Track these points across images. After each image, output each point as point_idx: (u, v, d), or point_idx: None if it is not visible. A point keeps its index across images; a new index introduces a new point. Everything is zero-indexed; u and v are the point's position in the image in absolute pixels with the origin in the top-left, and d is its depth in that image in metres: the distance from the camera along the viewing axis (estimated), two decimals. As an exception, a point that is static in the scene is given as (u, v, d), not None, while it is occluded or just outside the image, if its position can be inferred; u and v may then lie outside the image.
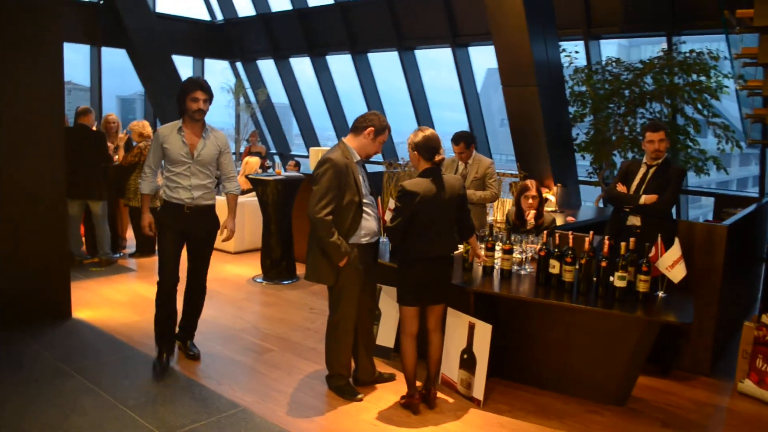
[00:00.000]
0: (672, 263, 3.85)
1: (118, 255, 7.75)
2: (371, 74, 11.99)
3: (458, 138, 5.76)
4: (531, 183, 4.93)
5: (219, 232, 4.60)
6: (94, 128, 7.34)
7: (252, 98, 13.96)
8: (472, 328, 4.13)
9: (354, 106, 12.71)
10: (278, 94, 13.99)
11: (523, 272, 4.40)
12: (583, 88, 8.45)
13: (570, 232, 4.38)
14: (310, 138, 13.72)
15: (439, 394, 4.18)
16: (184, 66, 14.65)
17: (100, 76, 12.53)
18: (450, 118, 12.51)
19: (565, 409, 4.09)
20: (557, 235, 4.35)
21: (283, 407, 3.99)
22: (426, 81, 11.39)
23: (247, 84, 14.12)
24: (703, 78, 7.87)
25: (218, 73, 14.18)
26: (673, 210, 4.77)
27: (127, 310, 5.74)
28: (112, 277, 6.86)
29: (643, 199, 4.54)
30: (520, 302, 4.07)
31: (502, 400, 4.18)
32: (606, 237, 3.95)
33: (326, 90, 12.70)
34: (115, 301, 6.02)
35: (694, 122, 7.87)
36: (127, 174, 7.51)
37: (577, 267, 3.95)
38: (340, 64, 12.53)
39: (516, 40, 6.94)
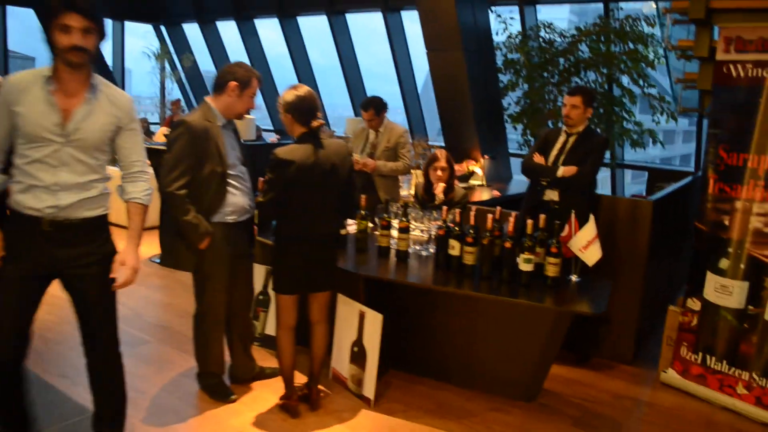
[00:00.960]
0: (586, 243, 3.39)
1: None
2: (301, 40, 11.28)
3: (367, 103, 5.19)
4: (440, 153, 4.40)
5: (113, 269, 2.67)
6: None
7: (178, 66, 13.09)
8: (362, 317, 3.61)
9: (286, 74, 11.98)
10: (207, 62, 13.13)
11: (425, 253, 3.89)
12: (517, 56, 7.96)
13: (474, 208, 3.88)
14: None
15: (329, 392, 3.67)
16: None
17: (5, 35, 11.49)
18: (386, 90, 11.90)
19: (467, 407, 3.62)
20: (471, 211, 3.87)
21: (140, 412, 3.40)
22: (362, 51, 10.75)
23: (172, 50, 13.20)
24: (640, 47, 7.47)
25: (140, 37, 13.20)
26: (612, 185, 4.32)
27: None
28: None
29: (561, 171, 4.07)
30: (417, 288, 3.55)
31: (398, 397, 3.69)
32: (513, 214, 3.46)
33: (254, 57, 11.93)
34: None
35: (630, 93, 7.48)
36: None
37: (479, 248, 3.45)
38: (270, 30, 11.78)
39: (440, 2, 6.37)
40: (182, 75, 13.36)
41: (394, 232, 3.81)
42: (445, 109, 7.09)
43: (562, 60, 7.71)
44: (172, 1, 12.67)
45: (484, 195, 6.49)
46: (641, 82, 7.29)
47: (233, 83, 3.27)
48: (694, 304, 3.92)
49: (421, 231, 4.01)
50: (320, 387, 3.62)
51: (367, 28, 10.62)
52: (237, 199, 3.34)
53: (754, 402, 3.64)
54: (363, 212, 3.88)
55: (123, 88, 12.88)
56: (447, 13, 6.37)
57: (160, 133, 9.67)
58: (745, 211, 3.65)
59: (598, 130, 7.67)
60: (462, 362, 3.82)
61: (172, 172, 3.17)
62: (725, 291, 3.75)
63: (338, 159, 3.24)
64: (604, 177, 8.86)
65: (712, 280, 3.81)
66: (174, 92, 13.18)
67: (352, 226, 4.10)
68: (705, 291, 3.85)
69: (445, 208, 3.69)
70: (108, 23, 12.59)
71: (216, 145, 3.24)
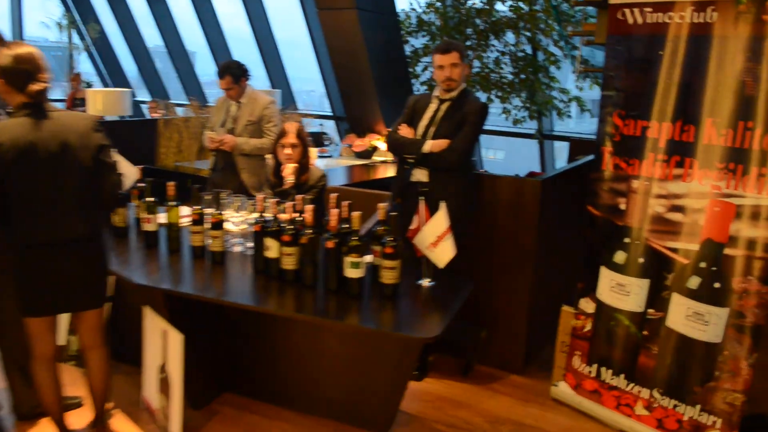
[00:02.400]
0: (435, 239, 2.63)
1: None
2: (211, 6, 10.26)
3: (223, 69, 4.34)
4: (290, 126, 3.59)
5: None
6: None
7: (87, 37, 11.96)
8: (165, 337, 2.83)
9: (199, 42, 10.94)
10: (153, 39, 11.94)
11: (250, 253, 3.09)
12: (431, 17, 7.14)
13: (334, 196, 3.04)
14: (152, 82, 11.91)
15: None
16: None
17: None
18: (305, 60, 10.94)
19: (302, 445, 2.88)
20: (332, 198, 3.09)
21: None
22: (274, 16, 9.80)
23: (79, 21, 12.04)
24: (564, 5, 6.72)
25: (36, 6, 12.00)
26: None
27: None
28: None
29: (429, 145, 3.29)
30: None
31: (219, 429, 2.93)
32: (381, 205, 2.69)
33: (164, 26, 10.88)
34: None
35: (550, 55, 6.75)
36: None
37: (299, 249, 2.67)
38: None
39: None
40: (92, 48, 12.23)
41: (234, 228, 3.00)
42: (342, 76, 6.26)
43: (479, 21, 6.92)
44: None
45: (389, 172, 5.73)
46: (563, 44, 6.55)
47: None
48: (588, 306, 3.21)
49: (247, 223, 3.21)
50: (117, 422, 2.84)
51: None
52: None
53: (655, 425, 2.97)
54: (172, 203, 3.07)
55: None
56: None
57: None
58: (643, 193, 2.93)
59: (523, 96, 6.96)
60: (303, 385, 3.07)
61: None
62: (622, 290, 3.04)
63: (74, 136, 2.40)
64: (530, 150, 8.16)
65: (606, 277, 3.10)
66: (79, 66, 12.07)
67: (186, 218, 3.24)
68: (599, 290, 3.15)
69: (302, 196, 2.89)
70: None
71: None
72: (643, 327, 2.99)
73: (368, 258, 2.69)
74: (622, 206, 3.01)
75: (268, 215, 2.78)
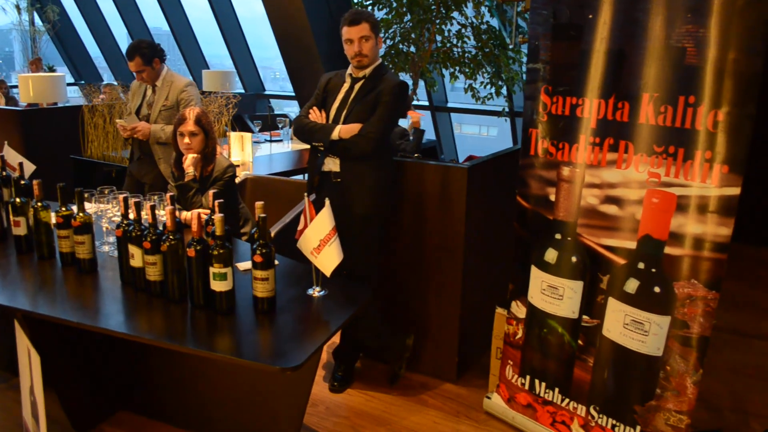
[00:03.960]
0: (319, 244, 2.23)
1: None
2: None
3: (131, 50, 3.92)
4: (189, 112, 3.17)
5: None
6: None
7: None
8: (29, 356, 2.46)
9: (162, 23, 10.45)
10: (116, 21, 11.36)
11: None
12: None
13: (211, 193, 2.63)
14: (118, 67, 11.45)
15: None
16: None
17: None
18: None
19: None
20: (209, 193, 2.70)
21: None
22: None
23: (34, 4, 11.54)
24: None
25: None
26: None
27: None
28: None
29: (337, 131, 2.89)
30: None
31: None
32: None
33: (124, 7, 10.38)
34: None
35: (517, 29, 6.29)
36: None
37: (161, 257, 2.27)
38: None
39: None
40: (52, 31, 11.73)
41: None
42: (288, 54, 5.82)
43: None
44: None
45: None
46: (527, 15, 6.08)
47: None
48: (519, 310, 2.83)
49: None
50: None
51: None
52: None
53: (593, 446, 2.60)
54: (39, 203, 2.67)
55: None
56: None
57: None
58: (574, 181, 2.53)
59: (486, 73, 6.51)
60: (199, 405, 2.71)
61: None
62: (554, 294, 2.65)
63: None
64: (501, 128, 7.73)
65: (537, 278, 2.71)
66: (45, 50, 11.61)
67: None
68: (530, 292, 2.76)
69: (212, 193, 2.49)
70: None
71: None
72: (577, 336, 2.61)
73: (246, 265, 2.30)
74: (553, 197, 2.61)
75: (133, 217, 2.38)
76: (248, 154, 4.64)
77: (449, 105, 8.23)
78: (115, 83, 8.34)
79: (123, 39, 11.64)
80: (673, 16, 2.18)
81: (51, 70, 10.38)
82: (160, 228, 2.27)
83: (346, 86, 3.00)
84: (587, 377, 2.59)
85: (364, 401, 3.08)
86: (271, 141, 5.91)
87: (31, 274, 2.65)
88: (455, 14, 6.50)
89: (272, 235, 3.18)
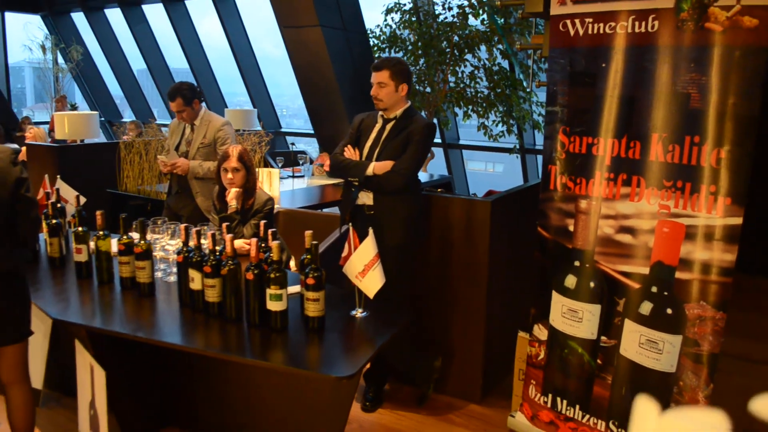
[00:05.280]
0: (363, 268, 2.48)
1: None
2: (192, 25, 10.20)
3: (173, 92, 4.22)
4: (232, 150, 3.45)
5: None
6: None
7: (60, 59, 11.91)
8: (92, 372, 2.69)
9: (181, 63, 10.88)
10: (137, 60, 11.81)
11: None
12: (406, 33, 7.03)
13: (262, 223, 2.86)
14: (137, 104, 11.84)
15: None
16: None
17: None
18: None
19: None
20: (261, 223, 2.95)
21: None
22: (256, 34, 9.71)
23: (58, 44, 12.01)
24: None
25: (21, 29, 11.97)
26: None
27: None
28: None
29: (371, 168, 3.15)
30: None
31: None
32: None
33: (144, 46, 10.81)
34: None
35: (526, 69, 6.62)
36: None
37: (220, 280, 2.52)
38: (160, 15, 10.65)
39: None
40: (76, 70, 12.19)
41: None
42: (309, 95, 6.15)
43: (455, 36, 6.80)
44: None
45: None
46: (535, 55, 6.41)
47: None
48: (541, 332, 3.05)
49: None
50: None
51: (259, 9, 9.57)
52: None
53: (612, 460, 2.79)
54: (101, 232, 2.93)
55: (7, 85, 11.71)
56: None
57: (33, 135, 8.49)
58: (591, 213, 2.78)
59: (498, 112, 6.82)
60: (243, 419, 2.92)
61: None
62: (574, 317, 2.88)
63: None
64: (507, 165, 8.01)
65: (558, 303, 2.94)
66: (66, 88, 12.03)
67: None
68: (551, 316, 2.98)
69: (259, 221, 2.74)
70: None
71: None
72: (596, 355, 2.83)
73: (296, 288, 2.54)
74: (571, 228, 2.86)
75: (193, 244, 2.64)
76: (276, 189, 4.91)
77: (461, 142, 8.54)
78: (136, 120, 8.70)
79: (144, 77, 12.07)
80: (679, 65, 2.46)
81: (73, 108, 10.76)
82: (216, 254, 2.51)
83: (378, 126, 3.27)
84: (606, 394, 2.80)
85: (395, 420, 3.28)
86: (293, 177, 6.20)
87: (92, 297, 2.89)
88: (468, 56, 6.84)
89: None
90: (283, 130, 9.94)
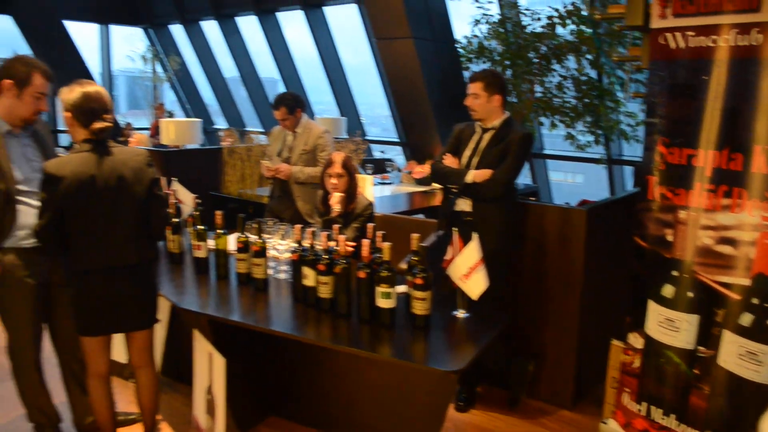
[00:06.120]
0: (467, 271, 2.62)
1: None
2: (282, 36, 10.62)
3: (278, 101, 4.50)
4: (336, 156, 3.67)
5: None
6: None
7: (169, 68, 12.63)
8: (210, 359, 2.94)
9: (268, 72, 11.33)
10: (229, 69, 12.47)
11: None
12: (493, 43, 7.14)
13: (371, 226, 3.06)
14: (229, 111, 12.41)
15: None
16: (90, 34, 13.28)
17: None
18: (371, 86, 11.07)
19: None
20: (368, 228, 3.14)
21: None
22: (344, 45, 10.01)
23: (162, 53, 12.76)
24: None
25: (123, 40, 12.80)
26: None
27: None
28: None
29: (471, 175, 3.29)
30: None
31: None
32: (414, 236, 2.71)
33: (238, 55, 11.34)
34: None
35: (615, 79, 6.59)
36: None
37: (333, 278, 2.71)
38: (254, 27, 11.14)
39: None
40: (174, 78, 12.91)
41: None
42: (401, 104, 6.35)
43: (542, 47, 6.85)
44: (155, 2, 12.20)
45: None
46: (627, 66, 6.38)
47: (7, 82, 2.63)
48: (636, 341, 3.09)
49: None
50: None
51: (347, 20, 9.89)
52: (35, 219, 2.69)
53: (708, 470, 2.81)
54: (220, 231, 3.19)
55: (110, 93, 12.52)
56: (391, -4, 5.62)
57: (137, 140, 9.06)
58: (690, 224, 2.82)
59: (588, 120, 6.81)
60: (344, 411, 3.11)
61: None
62: (671, 326, 2.92)
63: (129, 171, 2.57)
64: (602, 175, 7.96)
65: (654, 312, 2.98)
66: (163, 96, 12.76)
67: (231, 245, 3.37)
68: (647, 325, 3.03)
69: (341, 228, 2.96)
70: (93, 27, 12.32)
71: None
72: (693, 365, 2.85)
73: (402, 288, 2.71)
74: (670, 237, 2.90)
75: (307, 244, 2.85)
76: (370, 194, 5.12)
77: (545, 152, 8.54)
78: (231, 127, 9.15)
79: (233, 85, 12.63)
80: (786, 79, 2.48)
81: (170, 115, 11.39)
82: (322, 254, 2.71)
83: (476, 136, 3.41)
84: (703, 404, 2.82)
85: (487, 421, 3.39)
86: (383, 184, 6.40)
87: (210, 290, 3.15)
88: (556, 66, 6.87)
89: (404, 266, 3.58)
90: (368, 138, 10.19)
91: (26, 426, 3.06)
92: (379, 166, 6.76)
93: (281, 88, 11.36)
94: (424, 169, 6.36)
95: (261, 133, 7.74)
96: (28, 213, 2.70)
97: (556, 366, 3.50)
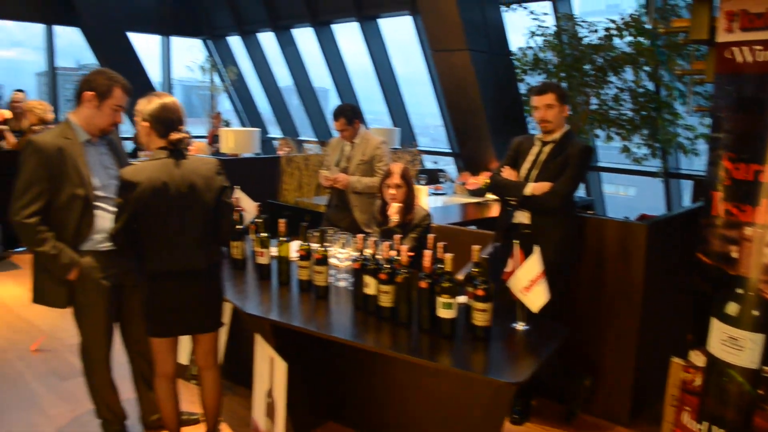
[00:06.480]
0: (528, 283, 2.64)
1: (22, 248, 6.84)
2: (337, 47, 10.80)
3: (337, 112, 4.60)
4: (395, 167, 3.74)
5: None
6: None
7: (226, 79, 12.98)
8: (272, 363, 3.03)
9: (327, 79, 11.51)
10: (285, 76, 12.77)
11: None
12: (548, 55, 7.12)
13: (431, 237, 3.11)
14: (283, 120, 12.65)
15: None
16: (151, 45, 13.74)
17: (53, 56, 11.70)
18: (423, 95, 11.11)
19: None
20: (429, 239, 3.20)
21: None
22: (395, 52, 10.12)
23: (220, 64, 13.13)
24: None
25: (184, 51, 13.21)
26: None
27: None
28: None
29: (530, 188, 3.31)
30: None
31: (318, 459, 3.08)
32: (476, 247, 2.75)
33: (293, 66, 11.58)
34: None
35: (673, 91, 6.48)
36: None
37: (395, 287, 2.77)
38: (309, 38, 11.37)
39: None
40: (230, 88, 13.25)
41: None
42: (456, 115, 6.38)
43: (599, 58, 6.80)
44: (215, 15, 12.56)
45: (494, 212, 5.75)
46: (686, 79, 6.27)
47: (89, 93, 2.79)
48: (698, 359, 3.05)
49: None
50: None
51: (400, 32, 10.00)
52: (111, 224, 2.83)
53: (773, 493, 2.75)
54: (283, 238, 3.29)
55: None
56: (448, 10, 5.68)
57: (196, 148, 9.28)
58: (756, 240, 2.77)
59: (644, 133, 6.73)
60: (401, 418, 3.15)
61: (21, 199, 2.72)
62: (735, 345, 2.87)
63: (200, 179, 2.69)
64: (655, 188, 7.82)
65: (718, 330, 2.93)
66: (219, 105, 13.10)
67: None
68: (710, 343, 2.98)
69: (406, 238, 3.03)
70: (156, 39, 12.74)
71: (75, 165, 2.76)
72: (758, 385, 2.80)
73: (462, 299, 2.74)
74: (735, 254, 2.86)
75: (368, 253, 2.91)
76: (425, 205, 5.16)
77: (599, 164, 8.44)
78: (286, 136, 9.33)
79: (287, 95, 12.87)
80: None
81: (227, 124, 11.69)
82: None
83: (536, 149, 3.42)
84: (767, 426, 2.76)
85: (541, 432, 3.39)
86: (436, 194, 6.44)
87: (271, 296, 3.24)
88: (613, 78, 6.80)
89: (462, 277, 3.62)
90: (420, 148, 10.25)
91: (94, 422, 3.20)
92: (433, 177, 6.81)
93: (333, 98, 11.54)
94: (477, 181, 6.38)
95: (314, 142, 7.88)
96: (104, 218, 2.84)
97: (613, 382, 3.47)
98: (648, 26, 6.22)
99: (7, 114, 7.45)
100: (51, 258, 2.74)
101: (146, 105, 2.69)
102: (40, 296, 2.90)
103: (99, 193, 2.84)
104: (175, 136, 2.65)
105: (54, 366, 4.09)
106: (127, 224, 2.62)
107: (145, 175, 2.59)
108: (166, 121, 2.66)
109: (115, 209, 2.78)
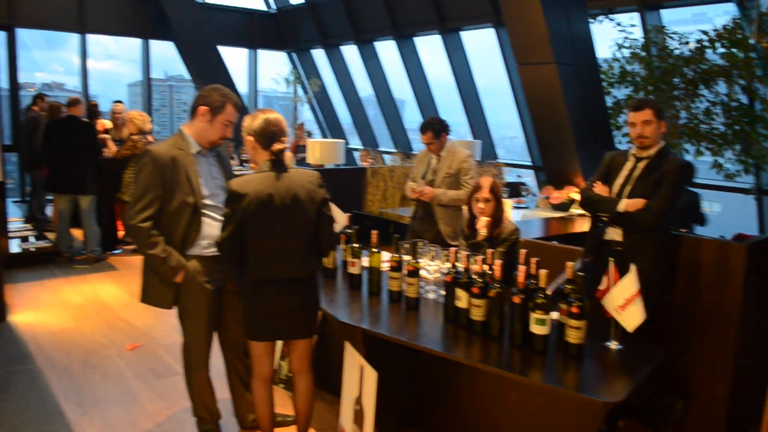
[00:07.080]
0: (624, 302, 2.62)
1: (118, 251, 7.28)
2: (418, 59, 10.92)
3: (425, 126, 4.68)
4: (484, 181, 3.77)
5: None
6: (84, 119, 6.90)
7: (309, 90, 13.34)
8: (361, 371, 3.12)
9: (407, 91, 11.67)
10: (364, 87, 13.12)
11: (442, 301, 3.29)
12: (635, 67, 6.98)
13: (523, 251, 3.17)
14: (363, 131, 12.88)
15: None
16: (240, 58, 14.28)
17: (149, 68, 12.35)
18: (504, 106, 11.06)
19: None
20: (521, 253, 3.23)
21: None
22: (476, 62, 10.15)
23: (303, 76, 13.51)
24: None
25: (269, 64, 13.69)
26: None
27: (66, 315, 5.25)
28: (84, 276, 6.41)
29: (624, 204, 3.28)
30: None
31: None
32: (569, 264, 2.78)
33: (375, 78, 11.78)
34: (64, 304, 5.55)
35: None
36: (122, 167, 6.99)
37: (487, 301, 2.80)
38: (391, 51, 11.56)
39: (527, 11, 5.69)
40: (313, 99, 13.61)
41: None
42: (540, 128, 6.35)
43: (687, 70, 6.62)
44: (300, 29, 12.95)
45: (585, 227, 5.66)
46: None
47: (203, 108, 2.98)
48: (801, 386, 2.94)
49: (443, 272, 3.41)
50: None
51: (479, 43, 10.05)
52: (216, 231, 3.01)
53: None
54: (374, 249, 3.38)
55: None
56: (535, 23, 5.68)
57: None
58: None
59: (737, 148, 6.49)
60: (484, 431, 3.17)
61: (137, 204, 2.93)
62: (842, 372, 2.75)
63: (303, 191, 2.81)
64: (746, 206, 7.51)
65: (824, 356, 2.83)
66: (301, 115, 13.47)
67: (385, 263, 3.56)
68: (814, 369, 2.87)
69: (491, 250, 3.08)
70: (243, 52, 13.25)
71: (186, 174, 2.95)
72: None
73: (554, 315, 2.75)
74: None
75: (460, 266, 2.97)
76: (510, 218, 5.17)
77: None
78: (367, 147, 9.48)
79: (367, 106, 13.10)
80: None
81: (309, 135, 12.00)
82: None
83: (629, 164, 3.39)
84: None
85: (630, 454, 3.33)
86: (518, 208, 6.42)
87: (362, 306, 3.33)
88: (704, 91, 6.60)
89: (550, 292, 3.61)
90: (500, 161, 10.23)
91: (190, 419, 3.38)
92: (515, 190, 6.79)
93: (413, 109, 11.67)
94: (561, 195, 6.32)
95: (394, 153, 7.99)
96: (211, 225, 3.02)
97: (706, 405, 3.38)
98: (749, 39, 6.01)
99: (108, 124, 7.93)
100: (160, 261, 2.94)
101: (251, 121, 2.86)
102: (147, 296, 3.10)
103: (207, 201, 3.02)
104: (276, 146, 2.80)
105: (151, 364, 4.33)
106: (233, 233, 2.77)
107: (252, 187, 2.74)
108: (270, 134, 2.82)
109: (220, 217, 2.96)
